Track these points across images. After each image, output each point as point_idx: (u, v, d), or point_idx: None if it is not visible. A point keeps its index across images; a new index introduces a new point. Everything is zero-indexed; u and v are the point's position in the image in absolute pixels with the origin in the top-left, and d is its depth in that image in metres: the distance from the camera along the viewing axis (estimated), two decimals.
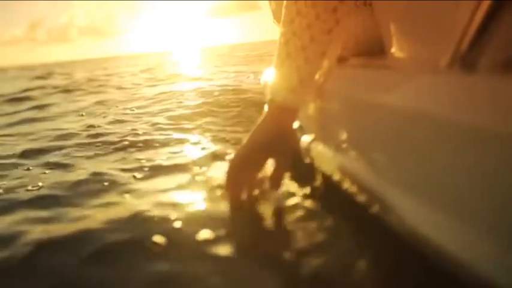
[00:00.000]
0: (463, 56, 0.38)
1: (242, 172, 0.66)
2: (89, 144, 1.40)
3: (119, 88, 4.07)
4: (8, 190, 0.91)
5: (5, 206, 0.81)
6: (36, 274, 0.55)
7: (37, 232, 0.66)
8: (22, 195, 0.87)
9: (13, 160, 1.24)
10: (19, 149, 1.39)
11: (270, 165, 0.68)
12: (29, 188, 0.91)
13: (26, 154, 1.31)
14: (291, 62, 0.61)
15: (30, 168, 1.12)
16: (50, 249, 0.60)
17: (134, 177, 0.93)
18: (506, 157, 0.29)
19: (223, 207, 0.69)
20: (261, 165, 0.66)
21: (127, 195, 0.80)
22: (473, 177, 0.33)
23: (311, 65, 0.61)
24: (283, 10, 0.63)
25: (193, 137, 1.38)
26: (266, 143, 0.65)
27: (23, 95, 4.15)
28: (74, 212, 0.75)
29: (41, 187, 0.91)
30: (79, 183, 0.91)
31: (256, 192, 0.69)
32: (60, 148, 1.36)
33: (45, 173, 1.06)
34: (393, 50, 0.55)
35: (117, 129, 1.63)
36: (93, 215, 0.71)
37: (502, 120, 0.30)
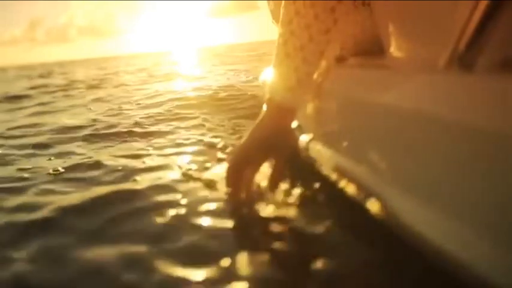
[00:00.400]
0: (461, 55, 0.38)
1: (241, 169, 0.67)
2: (99, 135, 1.51)
3: (121, 85, 4.18)
4: (32, 173, 1.05)
5: (30, 184, 0.95)
6: (59, 231, 0.67)
7: (59, 200, 0.81)
8: (45, 177, 1.00)
9: (30, 151, 1.36)
10: (34, 140, 1.51)
11: (268, 165, 0.68)
12: (50, 171, 1.03)
13: (42, 145, 1.42)
14: (289, 62, 0.61)
15: (51, 158, 1.22)
16: (70, 213, 0.74)
17: (143, 162, 1.04)
18: (504, 157, 0.29)
19: (223, 199, 0.72)
20: (259, 163, 0.67)
21: (137, 177, 0.91)
22: (471, 176, 0.33)
23: (309, 65, 0.61)
24: (282, 10, 0.63)
25: (192, 127, 1.49)
26: (264, 141, 0.66)
27: (28, 92, 4.28)
28: (91, 187, 0.89)
29: (60, 172, 1.03)
30: (94, 167, 1.04)
31: (254, 189, 0.69)
32: (72, 139, 1.48)
33: (64, 161, 1.16)
34: (392, 49, 0.55)
35: (123, 122, 1.74)
36: (107, 189, 0.84)
37: (500, 119, 0.30)
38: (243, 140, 0.68)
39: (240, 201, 0.69)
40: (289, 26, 0.60)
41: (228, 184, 0.69)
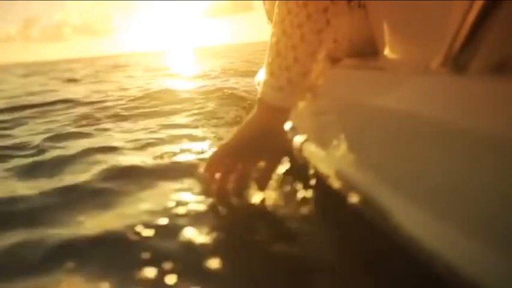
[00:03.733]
0: (455, 57, 0.37)
1: (220, 164, 0.66)
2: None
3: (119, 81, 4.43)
4: None
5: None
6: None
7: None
8: None
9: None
10: None
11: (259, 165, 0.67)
12: None
13: None
14: (280, 61, 0.60)
15: None
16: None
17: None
18: (499, 159, 0.29)
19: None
20: (248, 164, 0.66)
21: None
22: (464, 177, 0.32)
23: (301, 65, 0.60)
24: (275, 10, 0.62)
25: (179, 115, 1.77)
26: (252, 141, 0.65)
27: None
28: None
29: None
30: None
31: (240, 188, 0.68)
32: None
33: None
34: (386, 51, 0.55)
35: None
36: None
37: (493, 121, 0.30)
38: (229, 138, 0.67)
39: (214, 195, 0.68)
40: (282, 25, 0.60)
41: (206, 171, 0.68)
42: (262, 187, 0.68)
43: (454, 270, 0.33)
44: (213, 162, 0.67)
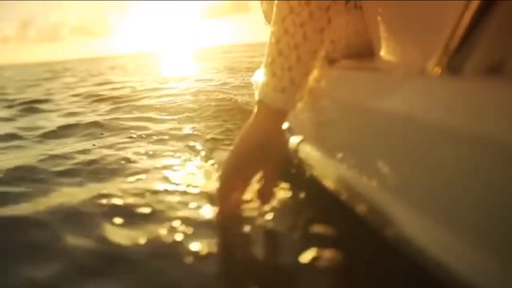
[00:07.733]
0: (451, 58, 0.37)
1: (233, 186, 0.63)
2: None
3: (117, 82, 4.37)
4: None
5: None
6: None
7: None
8: None
9: None
10: None
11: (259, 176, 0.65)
12: None
13: None
14: (282, 61, 0.59)
15: None
16: None
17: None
18: (495, 161, 0.29)
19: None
20: (250, 174, 0.64)
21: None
22: (461, 180, 0.32)
23: (304, 65, 0.59)
24: (274, 9, 0.61)
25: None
26: (255, 149, 0.62)
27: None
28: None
29: None
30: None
31: (244, 202, 0.66)
32: None
33: None
34: (382, 52, 0.55)
35: None
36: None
37: (489, 123, 0.29)
38: (231, 151, 0.64)
39: (230, 214, 0.64)
40: (283, 24, 0.58)
41: (219, 204, 0.64)
42: (267, 199, 0.66)
43: (455, 276, 0.33)
44: (221, 193, 0.64)
